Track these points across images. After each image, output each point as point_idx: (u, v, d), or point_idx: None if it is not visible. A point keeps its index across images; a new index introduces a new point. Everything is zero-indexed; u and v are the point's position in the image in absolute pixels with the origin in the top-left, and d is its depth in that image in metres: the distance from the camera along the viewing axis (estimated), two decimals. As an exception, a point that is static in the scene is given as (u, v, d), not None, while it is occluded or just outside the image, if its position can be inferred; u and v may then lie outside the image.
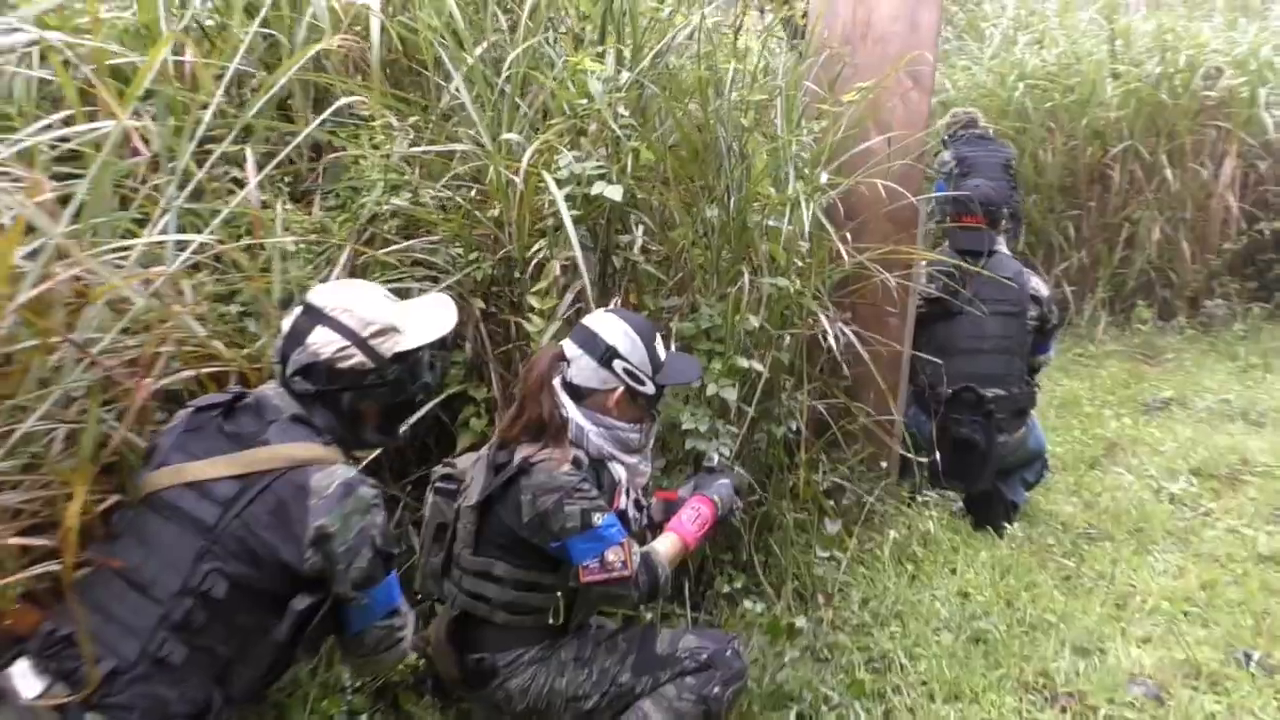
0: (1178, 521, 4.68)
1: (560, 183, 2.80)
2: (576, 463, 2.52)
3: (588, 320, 2.63)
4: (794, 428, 3.56)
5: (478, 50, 3.17)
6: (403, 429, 2.45)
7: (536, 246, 2.87)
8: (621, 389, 2.59)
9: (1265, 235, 8.33)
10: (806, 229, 3.09)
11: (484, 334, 3.07)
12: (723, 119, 3.21)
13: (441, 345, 2.32)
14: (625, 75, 3.03)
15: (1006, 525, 4.38)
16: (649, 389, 2.62)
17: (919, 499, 4.27)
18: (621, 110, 2.97)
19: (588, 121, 2.97)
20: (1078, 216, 8.31)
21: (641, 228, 3.14)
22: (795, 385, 3.54)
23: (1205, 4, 9.95)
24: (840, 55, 4.16)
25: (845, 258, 3.33)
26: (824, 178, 3.30)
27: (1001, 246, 4.62)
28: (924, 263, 4.36)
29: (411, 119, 3.19)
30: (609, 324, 2.60)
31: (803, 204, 3.09)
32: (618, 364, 2.57)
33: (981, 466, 4.39)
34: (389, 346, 2.16)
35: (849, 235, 3.91)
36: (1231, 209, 8.22)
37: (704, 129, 3.31)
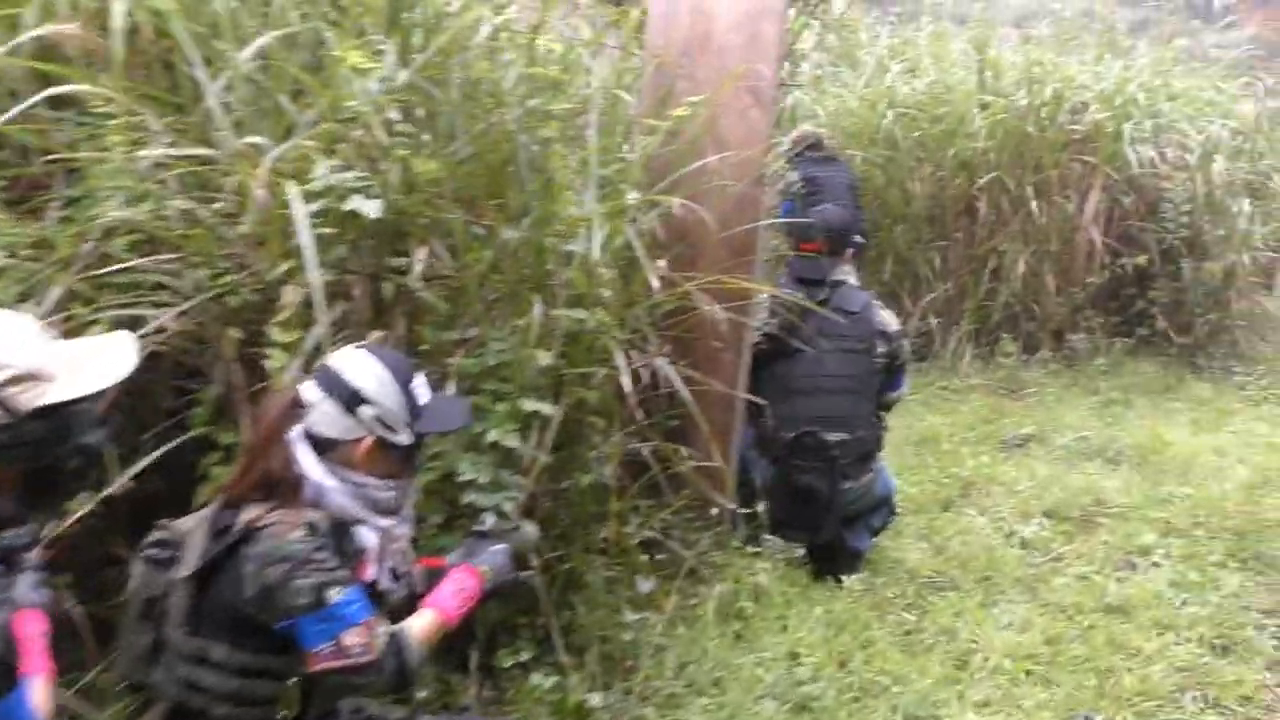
0: (1028, 568, 4.46)
1: (312, 195, 2.41)
2: (312, 527, 2.13)
3: (331, 359, 2.25)
4: (607, 474, 3.21)
5: (255, 44, 2.77)
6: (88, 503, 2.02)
7: (285, 268, 2.46)
8: (371, 439, 2.21)
9: (1128, 270, 8.31)
10: (597, 253, 2.74)
11: (236, 369, 2.65)
12: (522, 129, 2.86)
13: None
14: (403, 75, 2.65)
15: (847, 576, 4.10)
16: (405, 439, 2.25)
17: (749, 549, 3.95)
18: (395, 115, 2.59)
19: (352, 127, 2.58)
20: (944, 248, 8.18)
21: (426, 250, 2.76)
22: (608, 428, 3.19)
23: (1075, 39, 10.02)
24: (675, 66, 3.86)
25: (656, 286, 3.00)
26: (632, 197, 2.97)
27: (849, 277, 4.34)
28: (764, 295, 4.07)
29: (165, 120, 2.77)
30: (356, 363, 2.22)
31: (595, 226, 2.74)
32: (365, 410, 2.19)
33: (824, 516, 4.09)
34: (28, 399, 1.71)
35: (674, 262, 3.62)
36: (1095, 243, 8.18)
37: (507, 140, 2.95)
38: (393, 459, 2.26)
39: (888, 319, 4.26)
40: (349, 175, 2.45)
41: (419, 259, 2.74)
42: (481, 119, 2.95)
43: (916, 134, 8.19)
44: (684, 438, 3.71)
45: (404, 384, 2.24)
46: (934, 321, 8.04)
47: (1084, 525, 5.01)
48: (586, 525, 3.21)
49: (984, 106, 8.17)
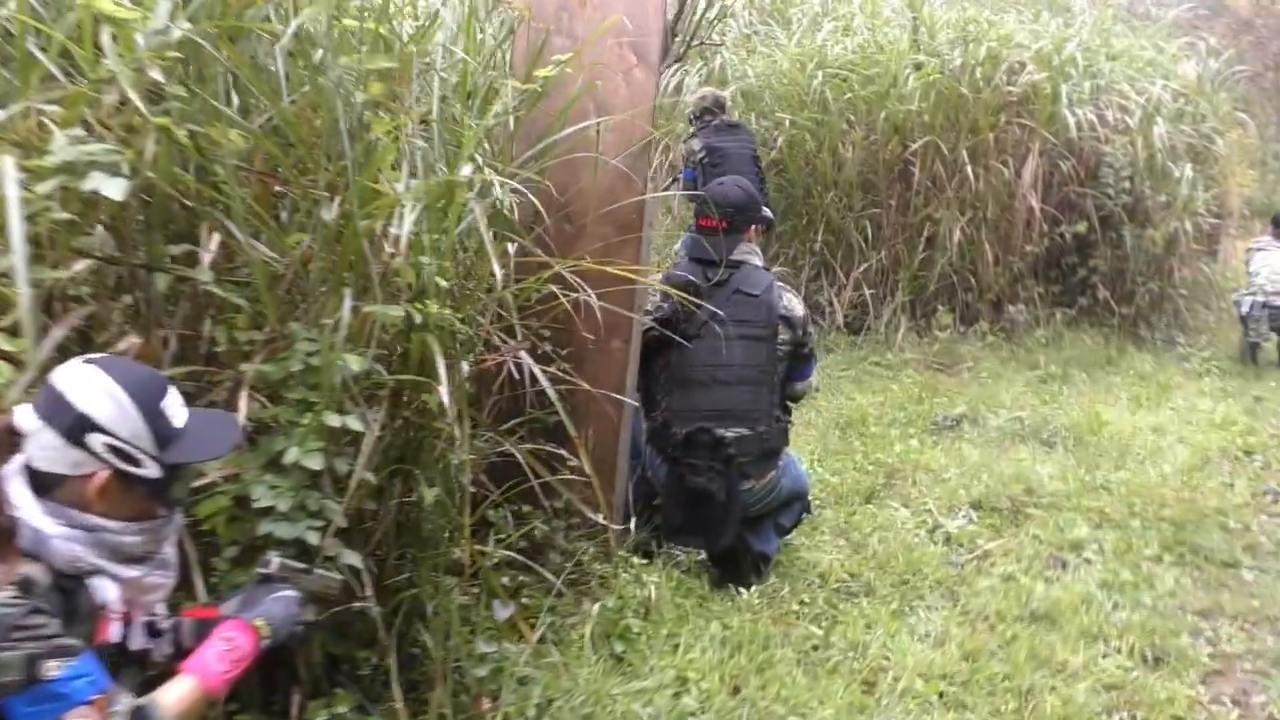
0: (950, 568, 4.12)
1: (45, 171, 1.97)
2: (25, 584, 1.72)
3: (56, 376, 1.81)
4: (463, 485, 2.79)
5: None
6: None
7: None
8: (106, 474, 1.79)
9: (1068, 238, 8.01)
10: (405, 238, 2.32)
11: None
12: (338, 91, 2.42)
13: None
14: (180, 26, 2.20)
15: (750, 584, 3.72)
16: (152, 472, 1.83)
17: (638, 560, 3.56)
18: (159, 76, 2.14)
19: (106, 90, 2.13)
20: (878, 215, 7.82)
21: (218, 237, 2.32)
22: (456, 435, 2.77)
23: (1011, -3, 9.68)
24: (551, 21, 3.44)
25: (499, 275, 2.57)
26: (465, 172, 2.54)
27: (751, 257, 3.91)
28: (655, 276, 3.66)
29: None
30: (85, 381, 1.79)
31: (408, 205, 2.32)
32: (95, 439, 1.77)
33: (721, 521, 3.69)
34: None
35: (555, 240, 3.23)
36: (1034, 210, 7.87)
37: (326, 106, 2.51)
38: (139, 496, 1.84)
39: (792, 303, 3.84)
40: (96, 148, 2.01)
41: (209, 247, 2.30)
42: (299, 80, 2.51)
43: (848, 96, 7.80)
44: (566, 438, 3.30)
45: (147, 405, 1.82)
46: (868, 292, 7.71)
47: (1013, 517, 4.69)
48: (436, 545, 2.80)
49: (917, 67, 7.79)
